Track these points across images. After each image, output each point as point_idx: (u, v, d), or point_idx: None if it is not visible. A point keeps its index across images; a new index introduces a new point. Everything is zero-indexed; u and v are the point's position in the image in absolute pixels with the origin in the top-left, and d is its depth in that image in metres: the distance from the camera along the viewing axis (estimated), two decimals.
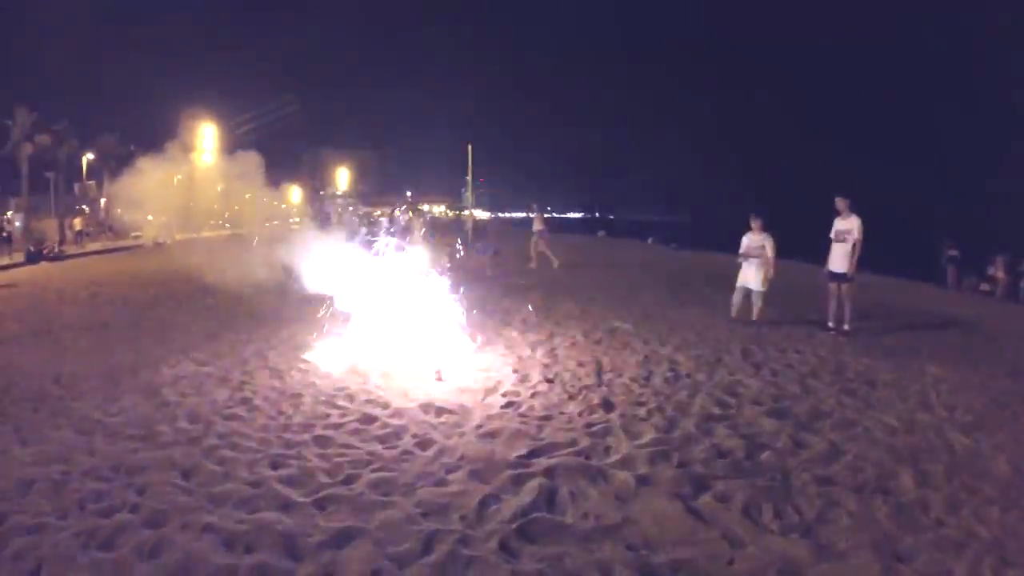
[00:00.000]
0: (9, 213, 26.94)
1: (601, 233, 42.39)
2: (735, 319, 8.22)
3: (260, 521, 2.95)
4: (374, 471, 3.52)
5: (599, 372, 5.64)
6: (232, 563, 2.65)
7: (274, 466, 3.61)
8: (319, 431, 4.17)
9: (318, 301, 6.79)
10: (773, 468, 3.60)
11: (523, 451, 3.75)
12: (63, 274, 15.31)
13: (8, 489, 3.32)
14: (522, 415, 4.46)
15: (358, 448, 3.88)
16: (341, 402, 4.79)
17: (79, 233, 26.26)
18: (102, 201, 33.70)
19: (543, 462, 3.59)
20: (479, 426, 4.22)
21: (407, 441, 3.98)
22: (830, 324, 7.84)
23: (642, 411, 4.55)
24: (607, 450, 3.82)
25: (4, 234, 20.81)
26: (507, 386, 5.16)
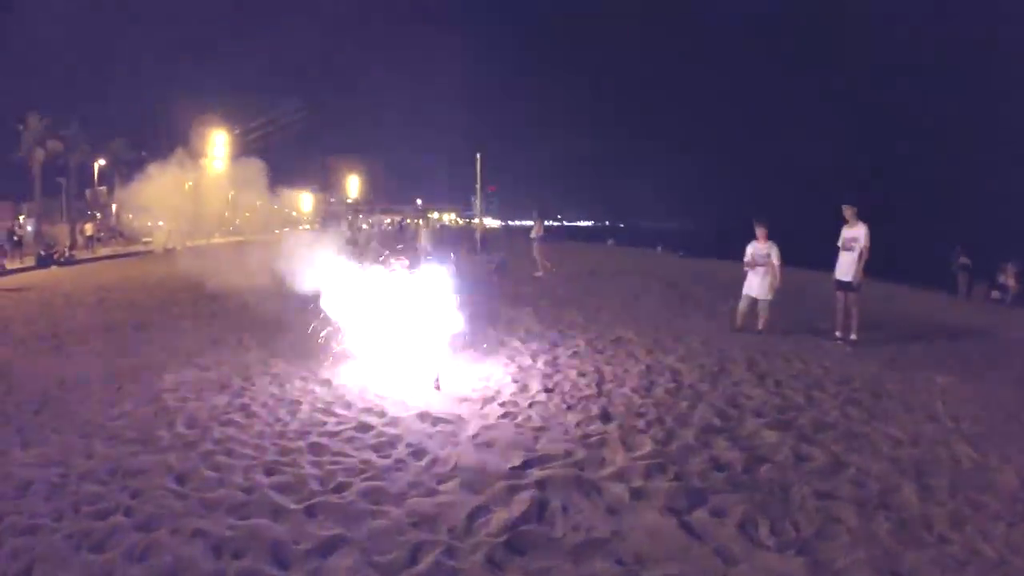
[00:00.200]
0: (21, 218, 27.33)
1: (610, 242, 42.26)
2: (740, 328, 8.13)
3: (250, 527, 2.97)
4: (366, 480, 3.50)
5: (599, 382, 5.59)
6: (219, 568, 2.66)
7: (268, 472, 3.62)
8: (314, 438, 4.17)
9: (322, 309, 6.78)
10: (772, 482, 3.53)
11: (517, 462, 3.70)
12: (72, 279, 15.48)
13: (7, 490, 3.40)
14: (519, 425, 4.41)
15: (352, 456, 3.86)
16: (338, 410, 4.78)
17: (90, 238, 26.60)
18: (113, 207, 34.09)
19: (536, 473, 3.54)
20: (475, 436, 4.18)
21: (401, 450, 3.95)
22: (837, 333, 7.74)
23: (641, 422, 4.49)
24: (602, 462, 3.76)
25: (15, 238, 21.11)
26: (506, 396, 5.12)
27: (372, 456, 3.86)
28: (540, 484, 3.39)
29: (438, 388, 5.29)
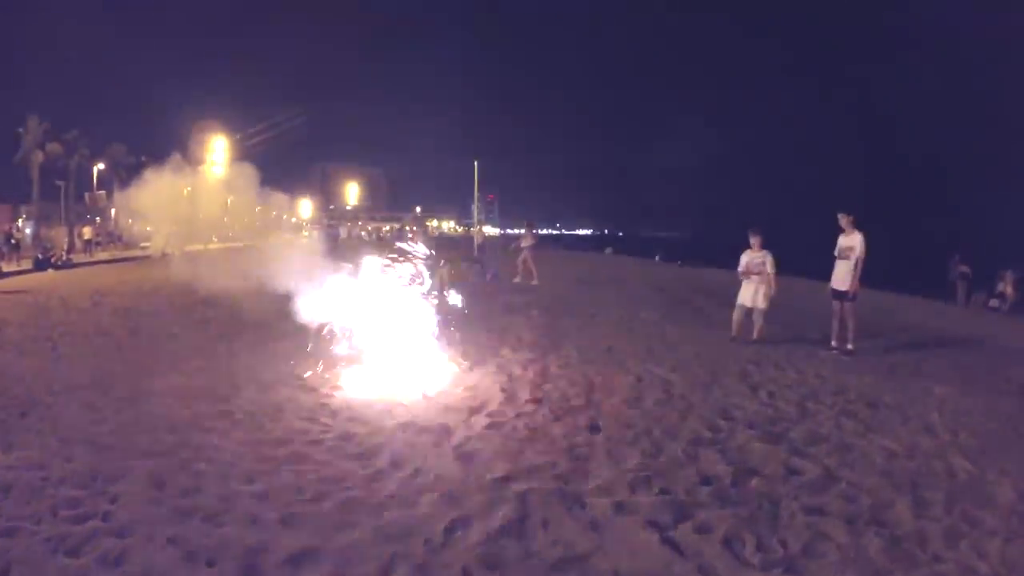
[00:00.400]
0: (19, 221, 27.33)
1: (608, 250, 42.21)
2: (735, 338, 8.05)
3: (224, 536, 2.92)
4: (344, 490, 3.42)
5: (589, 392, 5.50)
6: None
7: (246, 481, 3.54)
8: (296, 447, 4.09)
9: (312, 318, 6.71)
10: (761, 496, 3.44)
11: (499, 474, 3.62)
12: (69, 282, 15.41)
13: None
14: (504, 436, 4.33)
15: (333, 466, 3.78)
16: (323, 419, 4.69)
17: (88, 242, 26.56)
18: (112, 211, 34.11)
19: (518, 486, 3.45)
20: (458, 446, 4.10)
21: (383, 460, 3.86)
22: (833, 343, 7.66)
23: (629, 434, 4.40)
24: (587, 475, 3.67)
25: (13, 241, 21.09)
26: (493, 406, 5.03)
27: (353, 466, 3.78)
28: (521, 497, 3.31)
29: (425, 397, 5.21)
